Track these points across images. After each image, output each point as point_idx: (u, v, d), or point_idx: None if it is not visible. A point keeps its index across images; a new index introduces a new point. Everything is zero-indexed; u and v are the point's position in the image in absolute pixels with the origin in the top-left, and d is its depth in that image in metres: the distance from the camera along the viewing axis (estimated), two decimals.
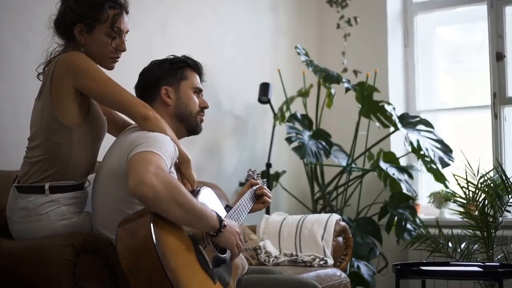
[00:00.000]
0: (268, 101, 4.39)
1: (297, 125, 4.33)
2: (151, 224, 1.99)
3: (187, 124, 2.51)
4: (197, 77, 2.57)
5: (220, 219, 2.17)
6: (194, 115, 2.52)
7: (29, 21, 3.19)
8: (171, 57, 2.56)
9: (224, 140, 4.46)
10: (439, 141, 4.27)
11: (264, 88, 4.37)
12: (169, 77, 2.50)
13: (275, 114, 4.49)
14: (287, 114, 4.52)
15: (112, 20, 2.41)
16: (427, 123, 4.34)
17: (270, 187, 4.40)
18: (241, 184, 4.33)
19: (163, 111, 2.45)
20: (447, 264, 3.20)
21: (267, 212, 4.09)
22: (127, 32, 2.48)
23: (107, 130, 2.58)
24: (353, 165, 4.48)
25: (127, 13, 2.48)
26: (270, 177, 4.41)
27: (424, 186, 4.92)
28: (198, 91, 2.56)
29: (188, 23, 4.20)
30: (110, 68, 2.49)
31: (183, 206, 2.06)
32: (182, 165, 2.43)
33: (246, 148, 4.62)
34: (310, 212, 4.45)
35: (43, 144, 2.36)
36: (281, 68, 4.63)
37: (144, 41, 3.80)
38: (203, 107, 2.56)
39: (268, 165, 4.37)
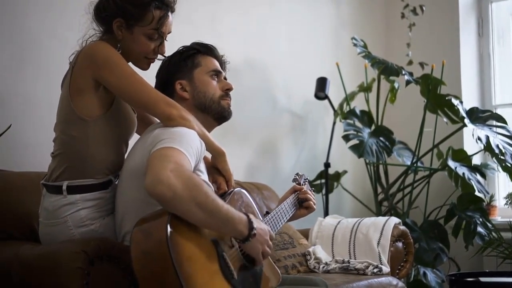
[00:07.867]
0: (326, 97, 4.13)
1: (357, 122, 4.06)
2: (168, 227, 1.81)
3: (212, 112, 2.32)
4: (213, 60, 2.38)
5: (251, 226, 1.97)
6: (216, 100, 2.32)
7: (70, 21, 3.04)
8: (181, 48, 2.38)
9: (281, 138, 4.24)
10: None
11: (321, 83, 4.11)
12: (181, 69, 2.33)
13: (335, 111, 4.23)
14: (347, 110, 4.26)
15: (157, 22, 2.24)
16: (499, 118, 3.98)
17: (330, 188, 4.15)
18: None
19: (184, 107, 2.26)
20: (510, 274, 2.88)
21: (325, 215, 3.86)
22: (169, 33, 2.32)
23: (136, 129, 2.42)
24: (419, 164, 4.17)
25: (172, 12, 2.30)
26: (330, 177, 4.16)
27: (501, 186, 4.61)
28: (217, 74, 2.37)
29: (240, 15, 3.98)
30: (144, 69, 2.34)
31: (206, 208, 1.86)
32: (217, 159, 2.26)
33: (305, 147, 4.38)
34: (374, 215, 4.17)
35: (60, 137, 2.24)
36: (343, 61, 4.38)
37: (194, 36, 3.58)
38: (226, 90, 2.36)
39: (327, 165, 4.09)
